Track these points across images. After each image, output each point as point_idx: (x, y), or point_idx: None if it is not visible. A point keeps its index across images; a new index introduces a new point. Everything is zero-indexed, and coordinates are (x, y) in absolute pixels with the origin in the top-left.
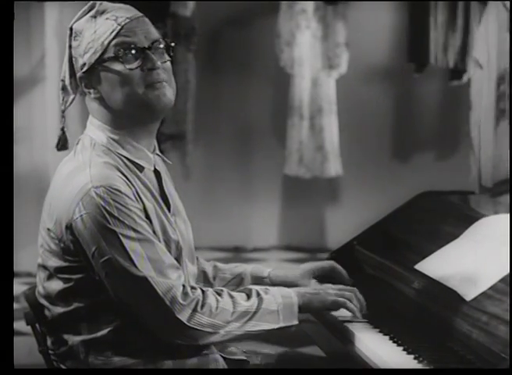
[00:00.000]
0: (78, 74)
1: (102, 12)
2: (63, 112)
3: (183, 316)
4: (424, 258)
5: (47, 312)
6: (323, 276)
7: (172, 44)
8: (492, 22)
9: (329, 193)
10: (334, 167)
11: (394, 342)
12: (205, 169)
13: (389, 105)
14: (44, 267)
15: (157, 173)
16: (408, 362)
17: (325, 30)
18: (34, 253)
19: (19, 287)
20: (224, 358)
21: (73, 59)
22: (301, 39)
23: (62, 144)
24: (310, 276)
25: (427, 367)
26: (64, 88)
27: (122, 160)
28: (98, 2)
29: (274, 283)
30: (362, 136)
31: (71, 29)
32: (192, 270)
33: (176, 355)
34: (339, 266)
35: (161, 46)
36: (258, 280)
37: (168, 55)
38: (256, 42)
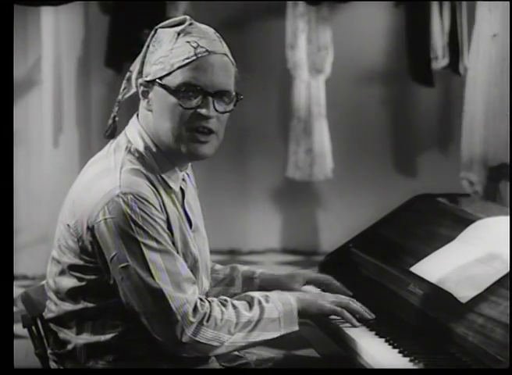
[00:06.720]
0: (140, 80)
1: (187, 34)
2: (119, 102)
3: (189, 330)
4: (419, 260)
5: (53, 307)
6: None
7: (241, 97)
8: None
9: (325, 196)
10: (322, 170)
11: (390, 345)
12: (201, 172)
13: (380, 107)
14: (57, 261)
15: (181, 190)
16: (404, 364)
17: (310, 33)
18: (31, 255)
19: (15, 290)
20: (224, 366)
21: (145, 60)
22: (299, 42)
23: (111, 133)
24: (301, 282)
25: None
26: (129, 79)
27: (154, 171)
28: (189, 21)
29: (263, 284)
30: (353, 139)
31: (155, 31)
32: (206, 285)
33: (177, 364)
34: (336, 282)
35: (228, 97)
36: (249, 280)
37: (233, 105)
38: (252, 45)
